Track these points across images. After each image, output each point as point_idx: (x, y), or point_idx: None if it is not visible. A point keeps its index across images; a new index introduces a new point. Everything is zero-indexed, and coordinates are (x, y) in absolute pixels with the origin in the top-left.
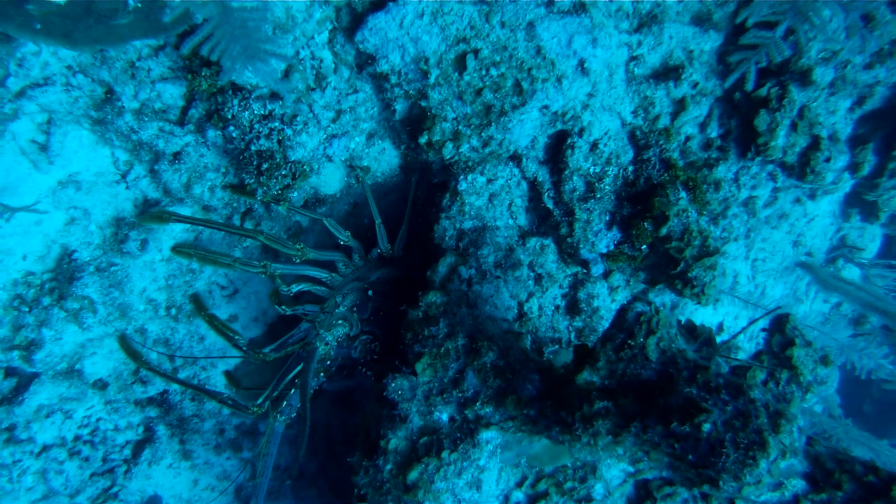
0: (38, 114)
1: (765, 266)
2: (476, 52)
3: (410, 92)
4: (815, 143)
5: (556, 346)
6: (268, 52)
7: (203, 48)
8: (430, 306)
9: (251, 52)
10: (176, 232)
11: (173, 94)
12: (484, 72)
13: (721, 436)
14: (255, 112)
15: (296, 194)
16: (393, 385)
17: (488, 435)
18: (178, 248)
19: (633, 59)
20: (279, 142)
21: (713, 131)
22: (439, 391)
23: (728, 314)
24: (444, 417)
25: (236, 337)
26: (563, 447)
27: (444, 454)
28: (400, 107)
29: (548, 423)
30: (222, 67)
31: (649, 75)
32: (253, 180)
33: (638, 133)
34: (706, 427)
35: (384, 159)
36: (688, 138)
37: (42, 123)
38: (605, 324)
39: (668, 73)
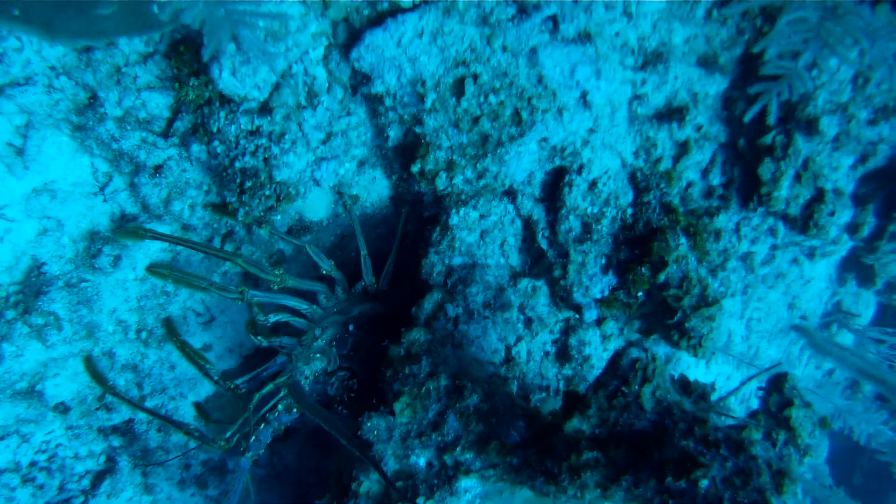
0: (17, 115)
1: (759, 326)
2: (475, 76)
3: (405, 117)
4: (819, 196)
5: (544, 395)
6: (255, 14)
7: (184, 15)
8: (413, 344)
9: (236, 18)
10: (152, 251)
11: (159, 103)
12: (482, 98)
13: (720, 493)
14: (242, 127)
15: (279, 217)
16: (368, 424)
17: (468, 483)
18: (153, 268)
19: (636, 97)
20: (265, 160)
21: (715, 178)
22: (417, 433)
23: (721, 374)
24: (422, 462)
25: (208, 366)
26: (547, 500)
27: (420, 502)
28: (394, 133)
29: (532, 473)
30: (204, 42)
31: (652, 115)
32: (235, 199)
33: (639, 175)
34: (704, 483)
35: (375, 189)
36: (689, 184)
37: (20, 126)
38: (596, 373)
39: (671, 114)
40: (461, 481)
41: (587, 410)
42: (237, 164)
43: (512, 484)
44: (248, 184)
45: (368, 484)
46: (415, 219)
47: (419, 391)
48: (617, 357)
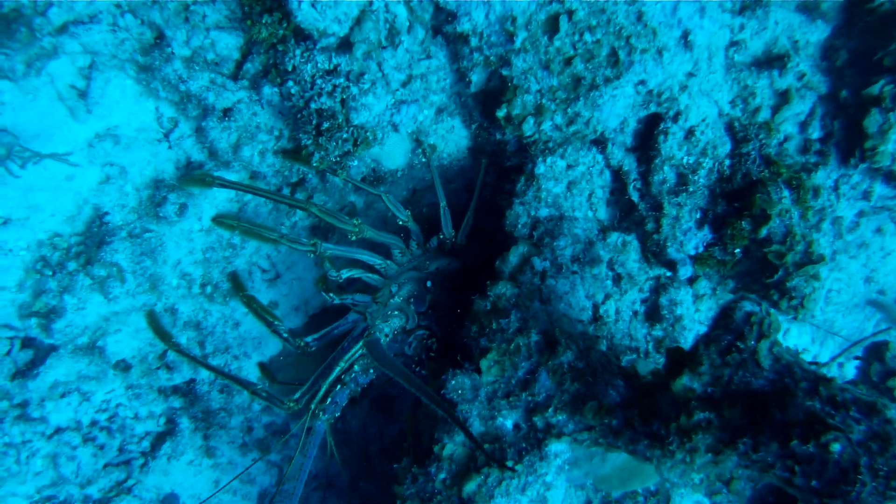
0: (80, 55)
1: (838, 298)
2: (570, 13)
3: (491, 58)
4: None
5: (634, 356)
6: None
7: None
8: (500, 298)
9: None
10: (219, 200)
11: (228, 44)
12: (577, 37)
13: (855, 458)
14: (320, 65)
15: (356, 163)
16: (453, 383)
17: (558, 447)
18: (219, 219)
19: (733, 43)
20: (342, 101)
21: (814, 132)
22: (505, 393)
23: (797, 345)
24: (509, 424)
25: (276, 323)
26: (639, 468)
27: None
28: (476, 77)
29: (633, 436)
30: None
31: (750, 63)
32: (310, 142)
33: (736, 125)
34: (836, 447)
35: (452, 139)
36: (786, 138)
37: (83, 67)
38: (688, 335)
39: (771, 61)
40: (552, 445)
41: (698, 367)
42: (313, 106)
43: (607, 448)
44: (325, 125)
45: (452, 447)
46: (493, 171)
47: (508, 347)
48: (728, 311)
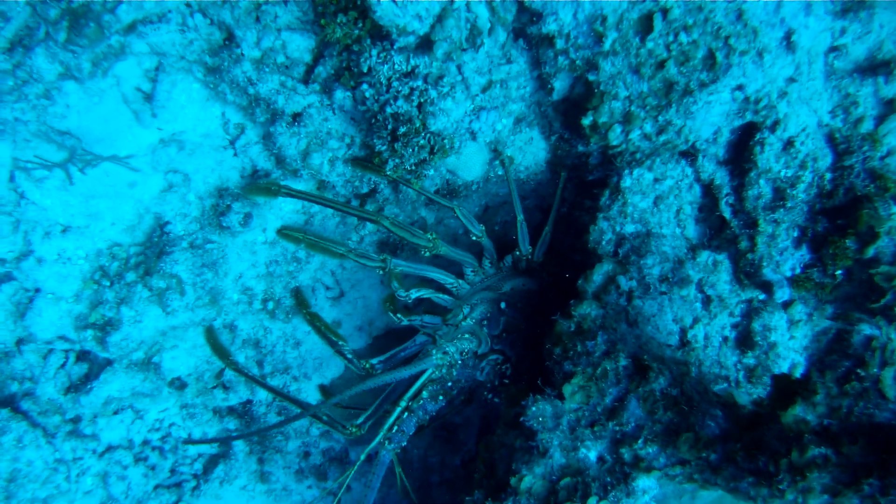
0: (147, 56)
1: None
2: (665, 11)
3: (577, 62)
4: None
5: (725, 385)
6: None
7: None
8: (585, 318)
9: None
10: (285, 211)
11: (300, 46)
12: (671, 38)
13: None
14: (397, 66)
15: (431, 172)
16: (534, 409)
17: (647, 483)
18: (285, 231)
19: (833, 49)
20: (420, 106)
21: None
22: (590, 422)
23: None
24: (593, 456)
25: (341, 343)
26: None
27: (591, 502)
28: (560, 84)
29: (736, 473)
30: None
31: (852, 69)
32: (385, 148)
33: (837, 136)
34: None
35: (530, 151)
36: (889, 151)
37: (150, 70)
38: (783, 364)
39: (875, 68)
40: (640, 480)
41: (812, 397)
42: (388, 110)
43: (702, 485)
44: (402, 129)
45: (531, 479)
46: (572, 187)
47: (594, 372)
48: (843, 334)
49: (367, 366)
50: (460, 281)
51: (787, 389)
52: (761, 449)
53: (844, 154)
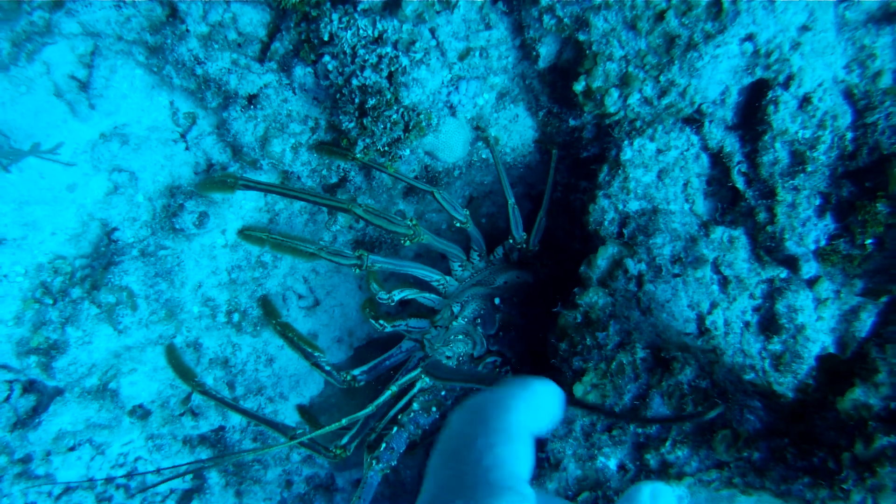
0: (81, 38)
1: None
2: None
3: (565, 20)
4: None
5: (753, 375)
6: None
7: None
8: (592, 307)
9: None
10: (246, 210)
11: (253, 20)
12: None
13: None
14: (362, 32)
15: (407, 153)
16: None
17: (679, 492)
18: (247, 231)
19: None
20: (390, 76)
21: None
22: (607, 426)
23: None
24: (613, 464)
25: (317, 355)
26: None
27: None
28: (546, 49)
29: (785, 473)
30: None
31: (866, 20)
32: (353, 125)
33: (856, 91)
34: None
35: (516, 129)
36: None
37: (84, 55)
38: (813, 348)
39: (890, 17)
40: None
41: (874, 376)
42: (354, 82)
43: (743, 490)
44: (371, 102)
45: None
46: (565, 167)
47: (608, 367)
48: None
49: (349, 377)
50: (447, 277)
51: (836, 371)
52: (815, 443)
53: (865, 111)
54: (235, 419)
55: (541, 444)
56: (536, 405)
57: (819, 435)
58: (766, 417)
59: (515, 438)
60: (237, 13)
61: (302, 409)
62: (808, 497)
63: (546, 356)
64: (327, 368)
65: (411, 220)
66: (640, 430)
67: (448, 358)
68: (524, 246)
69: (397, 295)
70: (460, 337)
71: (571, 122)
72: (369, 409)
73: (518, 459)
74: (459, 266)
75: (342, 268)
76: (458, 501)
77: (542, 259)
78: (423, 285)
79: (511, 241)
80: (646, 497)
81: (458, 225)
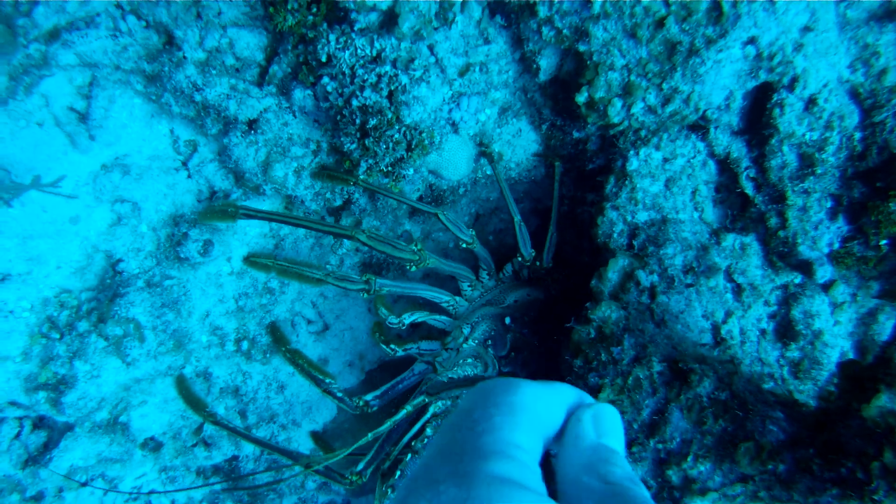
0: (78, 69)
1: None
2: None
3: (564, 31)
4: None
5: (772, 384)
6: None
7: None
8: (605, 322)
9: None
10: (251, 236)
11: (250, 44)
12: None
13: None
14: (360, 52)
15: (411, 172)
16: None
17: None
18: (252, 259)
19: None
20: (390, 95)
21: None
22: (626, 443)
23: None
24: None
25: (328, 381)
26: None
27: None
28: (546, 61)
29: (813, 485)
30: None
31: (868, 18)
32: (355, 146)
33: (861, 91)
34: None
35: (520, 144)
36: None
37: (82, 86)
38: (832, 354)
39: (892, 14)
40: None
41: None
42: (354, 103)
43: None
44: (372, 122)
45: None
46: (570, 181)
47: (625, 383)
48: None
49: (361, 403)
50: (457, 298)
51: (859, 377)
52: (842, 452)
53: (872, 109)
54: (248, 448)
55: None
56: (548, 397)
57: (845, 444)
58: (789, 428)
59: (518, 412)
60: (234, 38)
61: (316, 436)
62: None
63: (560, 375)
64: (339, 395)
65: (416, 245)
66: (660, 446)
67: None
68: (536, 263)
69: (407, 318)
70: (469, 361)
71: (575, 135)
72: (383, 428)
73: (516, 429)
74: (469, 286)
75: (350, 292)
76: (445, 466)
77: (553, 275)
78: (433, 307)
79: (520, 258)
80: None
81: (463, 247)
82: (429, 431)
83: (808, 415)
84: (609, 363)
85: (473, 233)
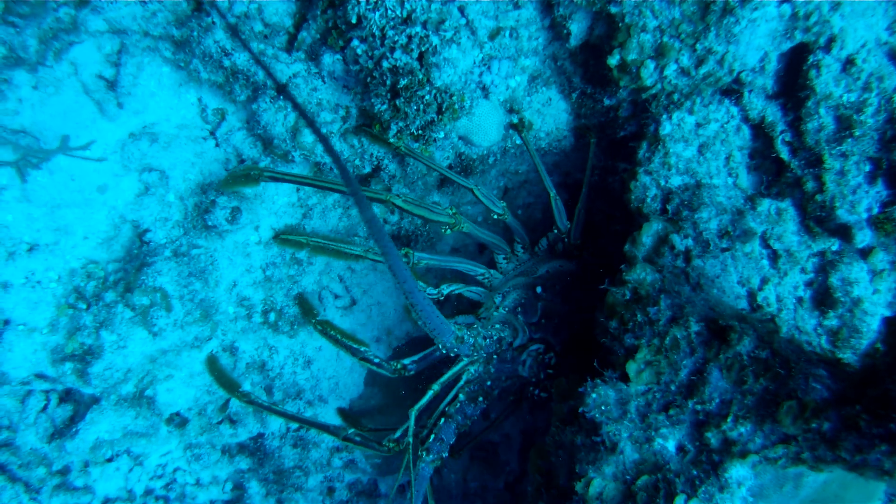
0: (107, 36)
1: None
2: None
3: None
4: None
5: (810, 350)
6: None
7: None
8: (641, 283)
9: None
10: (279, 205)
11: (279, 10)
12: None
13: None
14: (390, 12)
15: (441, 135)
16: (594, 396)
17: (741, 472)
18: (285, 237)
19: None
20: (420, 56)
21: None
22: (663, 405)
23: None
24: (672, 446)
25: (363, 349)
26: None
27: (679, 502)
28: (577, 26)
29: (860, 442)
30: None
31: None
32: (386, 107)
33: None
34: None
35: (550, 113)
36: None
37: (111, 53)
38: (872, 322)
39: None
40: (733, 469)
41: None
42: (385, 64)
43: (813, 465)
44: (403, 82)
45: (601, 482)
46: (601, 151)
47: (662, 342)
48: None
49: (399, 367)
50: (492, 271)
51: None
52: (892, 407)
53: None
54: (274, 426)
55: (595, 426)
56: None
57: (894, 399)
58: (834, 385)
59: None
60: (262, 4)
61: (343, 413)
62: (886, 467)
63: (591, 342)
64: (376, 361)
65: (451, 210)
66: (699, 407)
67: (484, 338)
68: (567, 238)
69: (446, 290)
70: (497, 326)
71: (606, 102)
72: (424, 401)
73: None
74: (504, 259)
75: (379, 265)
76: None
77: (586, 247)
78: (468, 279)
79: (556, 231)
80: None
81: (495, 217)
82: (461, 397)
83: (853, 373)
84: (645, 324)
85: (504, 204)
